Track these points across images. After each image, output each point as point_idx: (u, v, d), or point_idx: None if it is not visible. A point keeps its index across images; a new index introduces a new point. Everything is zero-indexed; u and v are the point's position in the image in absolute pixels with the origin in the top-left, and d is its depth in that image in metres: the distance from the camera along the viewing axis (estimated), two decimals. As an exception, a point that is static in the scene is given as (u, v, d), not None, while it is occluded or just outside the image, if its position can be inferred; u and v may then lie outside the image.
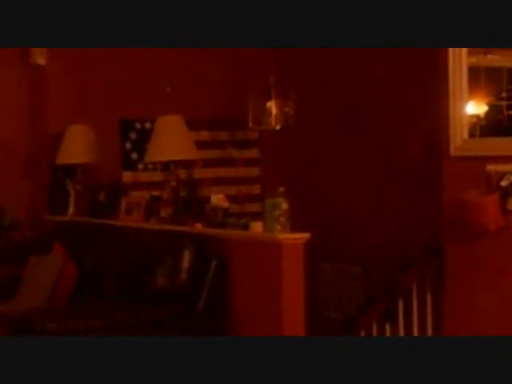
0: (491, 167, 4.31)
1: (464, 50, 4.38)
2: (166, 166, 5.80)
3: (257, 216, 5.23)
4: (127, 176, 6.58)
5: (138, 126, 6.63)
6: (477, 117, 4.61)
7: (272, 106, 5.56)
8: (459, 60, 4.41)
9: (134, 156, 6.61)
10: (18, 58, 6.42)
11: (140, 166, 6.60)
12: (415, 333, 4.81)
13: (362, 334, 4.94)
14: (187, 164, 6.14)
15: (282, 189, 4.68)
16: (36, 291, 5.37)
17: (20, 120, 6.53)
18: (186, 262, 4.95)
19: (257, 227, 4.83)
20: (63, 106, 6.42)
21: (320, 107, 6.70)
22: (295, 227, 4.71)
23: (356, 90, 6.45)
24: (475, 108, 4.60)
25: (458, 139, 4.47)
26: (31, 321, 4.76)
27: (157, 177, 6.30)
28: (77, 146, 6.18)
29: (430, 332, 4.76)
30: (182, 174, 5.84)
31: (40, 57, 6.41)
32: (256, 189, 7.03)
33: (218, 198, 5.33)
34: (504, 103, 4.61)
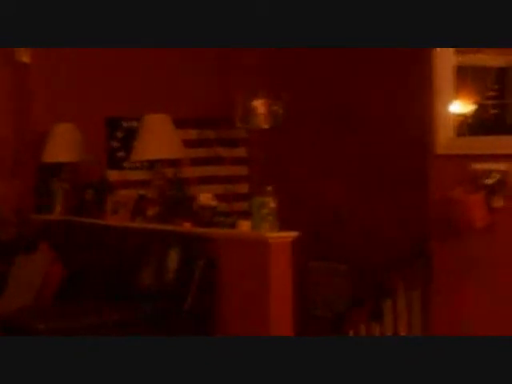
0: (477, 165, 4.34)
1: (450, 50, 4.40)
2: (153, 164, 5.79)
3: (245, 215, 5.22)
4: (113, 175, 6.55)
5: (125, 124, 6.61)
6: (463, 116, 4.63)
7: (260, 104, 5.57)
8: (445, 59, 4.43)
9: (121, 155, 6.59)
10: (2, 57, 6.37)
11: (126, 164, 6.57)
12: (403, 332, 4.82)
13: (350, 333, 4.95)
14: (174, 163, 6.13)
15: (269, 187, 4.68)
16: (22, 290, 5.35)
17: (5, 119, 6.49)
18: (173, 262, 4.94)
19: (245, 226, 4.83)
20: (49, 105, 6.38)
21: (308, 106, 6.70)
22: (283, 226, 4.71)
23: (344, 90, 6.45)
24: (462, 107, 4.62)
25: (444, 138, 4.49)
26: (19, 320, 4.75)
27: (143, 176, 6.28)
28: (63, 145, 6.16)
29: (417, 331, 4.78)
30: (169, 172, 5.83)
31: (24, 55, 6.37)
32: (244, 187, 7.03)
33: (205, 197, 5.32)
34: (490, 102, 4.64)
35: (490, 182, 4.28)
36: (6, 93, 6.49)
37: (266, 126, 5.62)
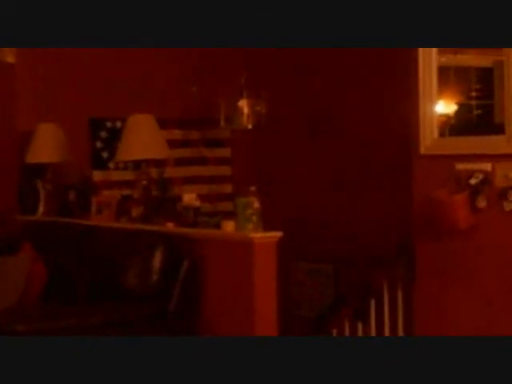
0: (461, 166, 4.36)
1: (434, 50, 4.42)
2: (137, 165, 5.78)
3: (229, 215, 5.22)
4: (98, 175, 6.53)
5: (109, 124, 6.59)
6: (446, 116, 4.65)
7: (244, 105, 5.57)
8: (429, 60, 4.45)
9: (105, 155, 6.57)
10: (-13, 57, 6.35)
11: (111, 165, 6.56)
12: (387, 332, 4.83)
13: (334, 333, 4.96)
14: (158, 163, 6.11)
15: (253, 188, 4.69)
16: (5, 292, 5.31)
17: (-12, 119, 6.46)
18: (157, 262, 4.93)
19: (229, 226, 4.83)
20: (32, 105, 6.35)
21: (292, 106, 6.71)
22: (267, 226, 4.71)
23: (327, 90, 6.46)
24: (445, 107, 4.64)
25: (428, 138, 4.50)
26: (0, 321, 4.72)
27: (128, 176, 6.26)
28: (46, 145, 6.13)
29: (401, 331, 4.79)
30: (154, 173, 5.81)
31: (9, 55, 6.34)
32: (228, 188, 7.03)
33: (189, 197, 5.32)
34: (473, 102, 4.66)
35: (473, 182, 4.30)
36: (-10, 93, 6.46)
37: (249, 126, 5.63)
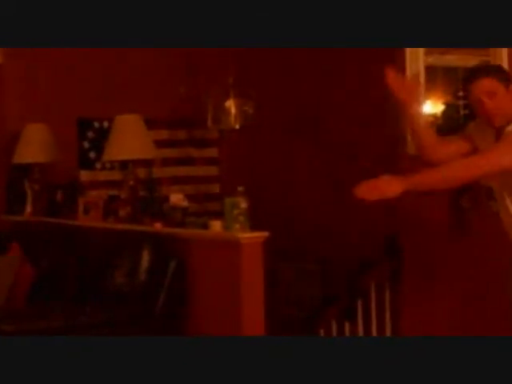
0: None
1: (421, 50, 4.44)
2: (125, 165, 5.77)
3: (216, 215, 5.22)
4: (85, 175, 6.52)
5: (96, 124, 6.58)
6: (434, 116, 4.67)
7: (231, 105, 5.57)
8: (416, 60, 4.47)
9: (92, 155, 6.56)
10: (-26, 57, 6.33)
11: (98, 165, 6.55)
12: (374, 332, 4.85)
13: (322, 333, 4.97)
14: (146, 163, 6.11)
15: (241, 188, 4.69)
16: (-7, 292, 5.31)
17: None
18: (144, 262, 4.92)
19: (216, 226, 4.83)
20: (20, 105, 6.34)
21: (279, 106, 6.71)
22: (254, 226, 4.72)
23: (315, 90, 6.47)
24: (432, 107, 4.65)
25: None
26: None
27: (115, 176, 6.26)
28: (34, 145, 6.12)
29: (388, 331, 4.81)
30: (141, 173, 5.81)
31: (-4, 55, 6.33)
32: (215, 188, 7.03)
33: (177, 198, 5.32)
34: (460, 102, 4.68)
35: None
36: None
37: (237, 126, 5.63)
